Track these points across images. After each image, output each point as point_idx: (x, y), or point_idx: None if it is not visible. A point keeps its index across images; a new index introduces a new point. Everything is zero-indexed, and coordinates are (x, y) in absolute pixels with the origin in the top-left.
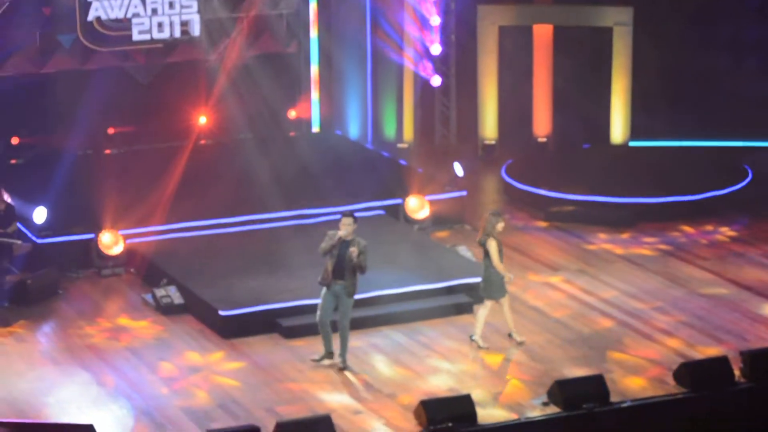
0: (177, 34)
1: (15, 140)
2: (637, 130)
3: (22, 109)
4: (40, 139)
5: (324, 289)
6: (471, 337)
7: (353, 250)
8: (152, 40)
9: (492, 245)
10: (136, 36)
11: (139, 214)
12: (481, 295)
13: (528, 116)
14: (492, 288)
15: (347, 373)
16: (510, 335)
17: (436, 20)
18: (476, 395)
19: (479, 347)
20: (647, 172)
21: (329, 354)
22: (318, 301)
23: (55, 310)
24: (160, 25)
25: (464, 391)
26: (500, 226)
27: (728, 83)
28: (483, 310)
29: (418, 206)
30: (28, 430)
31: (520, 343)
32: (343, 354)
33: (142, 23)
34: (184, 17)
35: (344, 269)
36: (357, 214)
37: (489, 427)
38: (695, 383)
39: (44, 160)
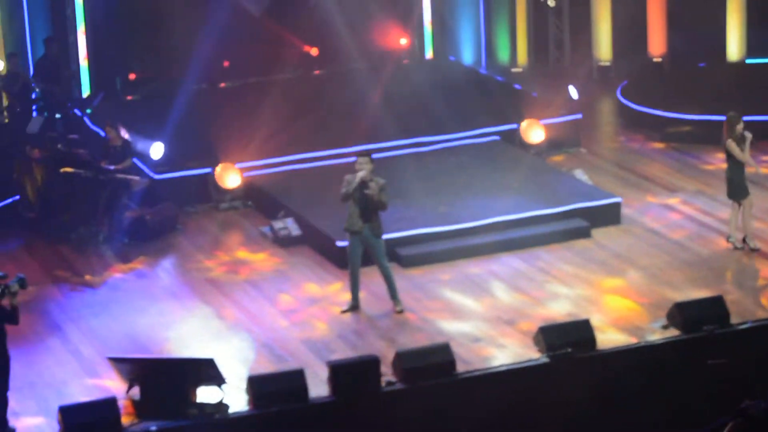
0: None
1: (132, 76)
2: (753, 47)
3: (137, 45)
4: (156, 74)
5: (349, 236)
6: (728, 238)
7: (372, 187)
8: None
9: (732, 145)
10: None
11: (255, 146)
12: (729, 197)
13: (642, 36)
14: (734, 189)
15: (466, 300)
16: (744, 240)
17: None
18: (595, 320)
19: (735, 248)
20: (765, 89)
21: (355, 305)
22: (434, 229)
23: (174, 245)
24: None
25: (583, 316)
26: (740, 127)
27: None
28: (733, 212)
29: (533, 130)
30: (150, 365)
31: (753, 249)
32: (394, 296)
33: None
34: None
35: (369, 210)
36: (471, 141)
37: (608, 351)
38: None
39: (160, 96)
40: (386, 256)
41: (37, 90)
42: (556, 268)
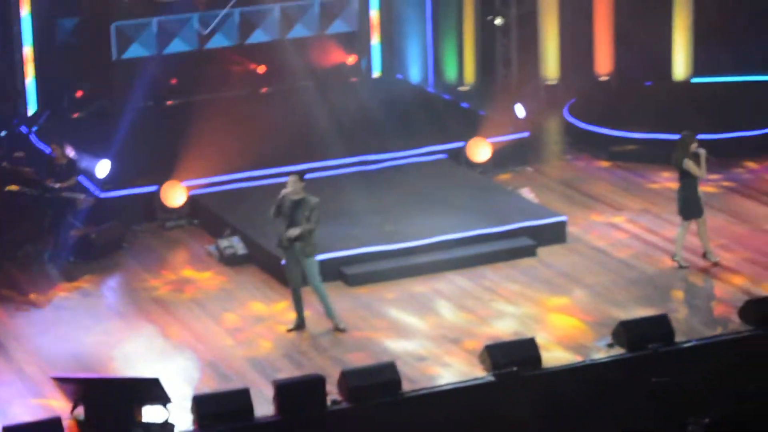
0: None
1: (78, 94)
2: (699, 65)
3: (84, 62)
4: (102, 91)
5: (283, 253)
6: (673, 257)
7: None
8: None
9: (689, 164)
10: None
11: (201, 164)
12: (680, 215)
13: (589, 54)
14: (691, 207)
15: (411, 318)
16: (705, 255)
17: None
18: (540, 338)
19: (680, 266)
20: (710, 108)
21: (300, 324)
22: (379, 248)
23: (120, 264)
24: None
25: (529, 335)
26: (694, 145)
27: None
28: (681, 231)
29: (479, 149)
30: (95, 384)
31: (715, 264)
32: (330, 314)
33: None
34: None
35: (288, 227)
36: (418, 159)
37: (554, 369)
38: (761, 320)
39: (107, 113)
40: (319, 275)
41: None
42: (501, 287)
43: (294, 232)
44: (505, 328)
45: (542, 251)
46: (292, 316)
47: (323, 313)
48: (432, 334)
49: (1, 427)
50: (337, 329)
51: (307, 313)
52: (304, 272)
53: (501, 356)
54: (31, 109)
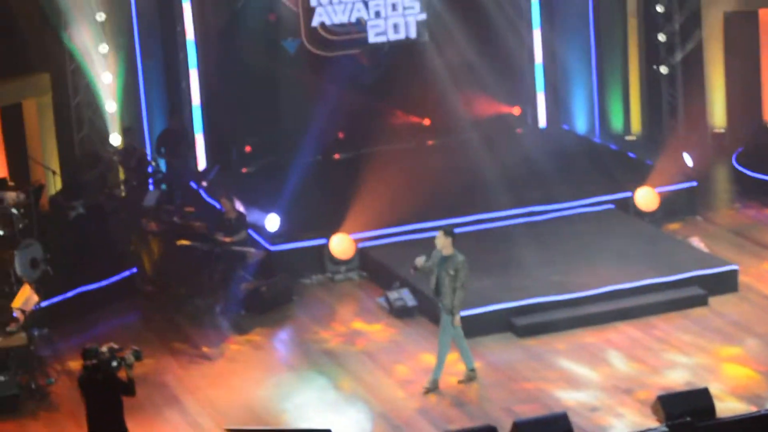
0: (401, 35)
1: (247, 149)
2: None
3: (253, 116)
4: (271, 146)
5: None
6: None
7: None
8: (376, 43)
9: None
10: (372, 38)
11: (369, 217)
12: None
13: (757, 102)
14: None
15: (582, 369)
16: None
17: (660, 8)
18: (713, 388)
19: None
20: None
21: (471, 372)
22: (549, 298)
23: (290, 316)
24: (382, 27)
25: (701, 385)
26: None
27: None
28: None
29: (648, 198)
30: None
31: None
32: (437, 371)
33: (378, 25)
34: (407, 19)
35: (440, 285)
36: (585, 210)
37: (728, 420)
38: None
39: (275, 168)
40: (450, 335)
41: (153, 164)
42: (673, 337)
43: (446, 303)
44: (677, 378)
45: (713, 300)
46: (461, 367)
47: (500, 363)
48: (604, 384)
49: None
50: (427, 390)
51: (478, 365)
52: (444, 324)
53: (674, 407)
54: (201, 164)
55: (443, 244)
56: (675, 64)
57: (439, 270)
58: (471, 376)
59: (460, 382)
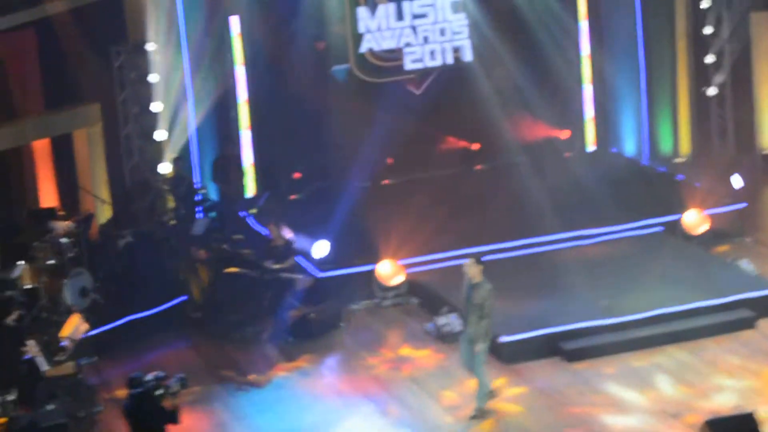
0: (449, 60)
1: (296, 175)
2: None
3: (301, 143)
4: (319, 173)
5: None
6: None
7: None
8: (425, 69)
9: None
10: (408, 65)
11: (417, 243)
12: None
13: None
14: None
15: (630, 393)
16: None
17: (708, 30)
18: (762, 412)
19: None
20: None
21: (489, 394)
22: (597, 322)
23: (338, 343)
24: (432, 52)
25: (750, 409)
26: None
27: None
28: None
29: (697, 221)
30: None
31: None
32: (478, 400)
33: (414, 52)
34: (456, 43)
35: (468, 313)
36: (634, 233)
37: None
38: None
39: (324, 194)
40: (484, 363)
41: (202, 192)
42: (721, 360)
43: (470, 331)
44: (725, 402)
45: (763, 323)
46: (510, 392)
47: (548, 388)
48: (652, 408)
49: None
50: (473, 416)
51: (526, 390)
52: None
53: (723, 431)
54: (250, 191)
55: (473, 272)
56: (724, 84)
57: (468, 298)
58: (491, 395)
59: (472, 418)
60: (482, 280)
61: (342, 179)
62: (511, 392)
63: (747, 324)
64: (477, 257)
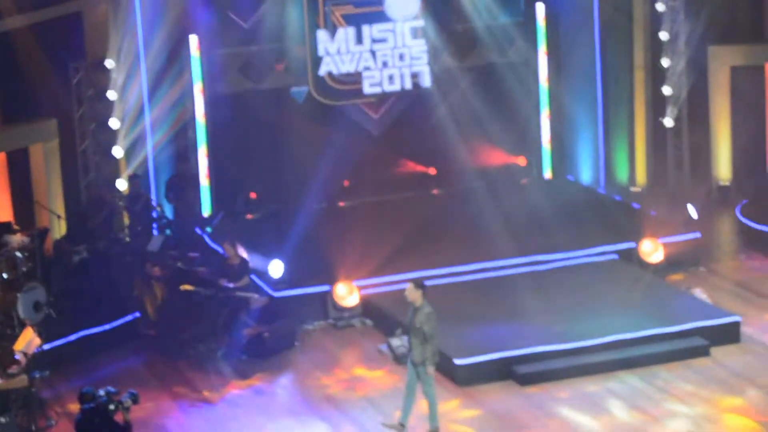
0: (408, 86)
1: (253, 195)
2: None
3: (259, 164)
4: (276, 193)
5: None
6: None
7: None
8: (384, 93)
9: None
10: (367, 89)
11: (373, 264)
12: None
13: (762, 156)
14: None
15: (583, 418)
16: None
17: (666, 62)
18: None
19: None
20: None
21: (401, 426)
22: (551, 347)
23: (292, 362)
24: (390, 77)
25: None
26: None
27: None
28: None
29: (651, 249)
30: None
31: None
32: (430, 421)
33: (373, 76)
34: (415, 69)
35: (410, 336)
36: (589, 259)
37: None
38: None
39: (280, 215)
40: (432, 382)
41: (158, 209)
42: (674, 387)
43: (413, 354)
44: (678, 428)
45: (716, 351)
46: (464, 414)
47: (503, 413)
48: None
49: None
50: None
51: (480, 413)
52: (419, 377)
53: None
54: (206, 210)
55: (414, 296)
56: (680, 116)
57: (411, 322)
58: (399, 429)
59: (383, 425)
60: (423, 303)
61: (298, 200)
62: (464, 414)
63: (700, 352)
64: (418, 281)
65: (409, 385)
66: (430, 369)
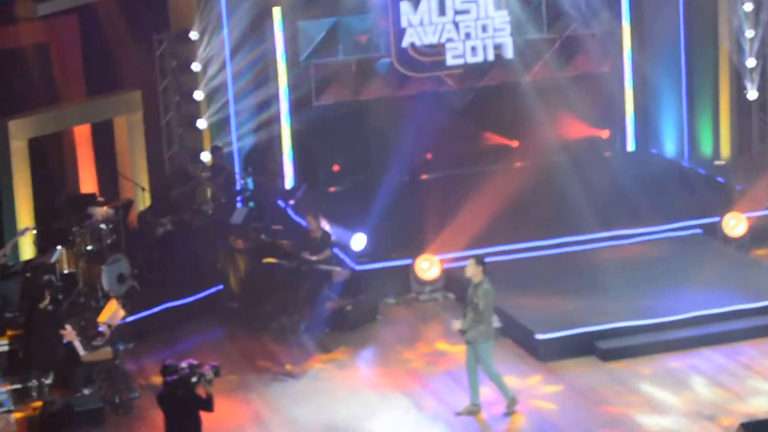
0: (490, 57)
1: (335, 168)
2: None
3: (341, 137)
4: (359, 166)
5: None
6: None
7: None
8: (466, 65)
9: None
10: (449, 61)
11: (455, 238)
12: None
13: None
14: None
15: (665, 394)
16: None
17: (750, 33)
18: None
19: None
20: None
21: (473, 406)
22: (634, 323)
23: (374, 336)
24: (473, 49)
25: None
26: None
27: None
28: None
29: (735, 224)
30: None
31: None
32: (505, 394)
33: (456, 48)
34: (497, 40)
35: (466, 312)
36: (672, 234)
37: None
38: None
39: (363, 188)
40: (491, 360)
41: (242, 182)
42: (758, 363)
43: (456, 326)
44: (761, 405)
45: None
46: (546, 390)
47: (584, 388)
48: (687, 410)
49: None
50: (508, 412)
51: (562, 388)
52: (478, 357)
53: None
54: (289, 183)
55: (473, 272)
56: (765, 88)
57: (470, 298)
58: (473, 410)
59: (506, 414)
60: (482, 279)
61: (381, 173)
62: (546, 390)
63: None
64: (479, 258)
65: (469, 365)
66: (481, 347)
